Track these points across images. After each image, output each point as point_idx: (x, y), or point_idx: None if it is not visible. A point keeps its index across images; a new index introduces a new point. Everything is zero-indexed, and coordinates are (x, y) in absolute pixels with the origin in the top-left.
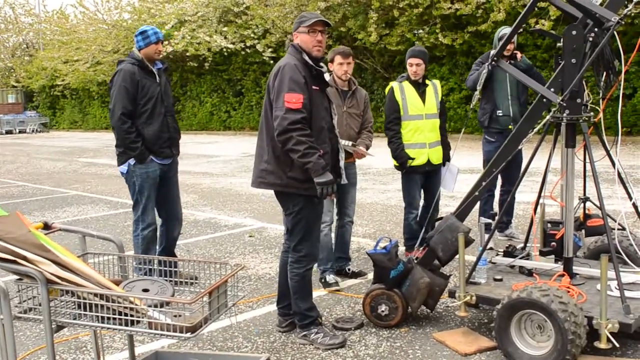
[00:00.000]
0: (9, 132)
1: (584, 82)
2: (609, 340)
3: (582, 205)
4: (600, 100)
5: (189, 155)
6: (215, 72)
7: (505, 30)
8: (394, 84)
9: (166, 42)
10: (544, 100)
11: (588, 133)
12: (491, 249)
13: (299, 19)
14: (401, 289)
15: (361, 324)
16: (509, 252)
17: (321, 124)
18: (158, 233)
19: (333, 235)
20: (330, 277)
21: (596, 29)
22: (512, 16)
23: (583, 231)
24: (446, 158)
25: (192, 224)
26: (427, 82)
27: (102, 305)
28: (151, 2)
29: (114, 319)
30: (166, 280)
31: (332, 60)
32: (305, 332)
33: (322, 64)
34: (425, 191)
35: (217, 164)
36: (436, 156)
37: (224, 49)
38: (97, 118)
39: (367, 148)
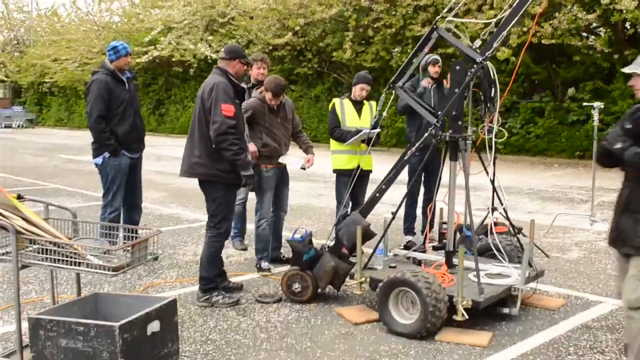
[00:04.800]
0: None
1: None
2: (463, 314)
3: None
4: (486, 122)
5: (168, 157)
6: (200, 78)
7: (434, 56)
8: (336, 100)
9: (152, 47)
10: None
11: (471, 151)
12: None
13: (232, 52)
14: (312, 271)
15: (279, 299)
16: (408, 247)
17: (242, 128)
18: (121, 220)
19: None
20: (265, 264)
21: (475, 65)
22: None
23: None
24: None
25: (157, 218)
26: (365, 102)
27: (54, 251)
28: (141, 7)
29: (64, 261)
30: (108, 240)
31: (250, 66)
32: (207, 296)
33: (243, 84)
34: (354, 192)
35: None
36: (366, 163)
37: (209, 57)
38: (83, 117)
39: (311, 148)
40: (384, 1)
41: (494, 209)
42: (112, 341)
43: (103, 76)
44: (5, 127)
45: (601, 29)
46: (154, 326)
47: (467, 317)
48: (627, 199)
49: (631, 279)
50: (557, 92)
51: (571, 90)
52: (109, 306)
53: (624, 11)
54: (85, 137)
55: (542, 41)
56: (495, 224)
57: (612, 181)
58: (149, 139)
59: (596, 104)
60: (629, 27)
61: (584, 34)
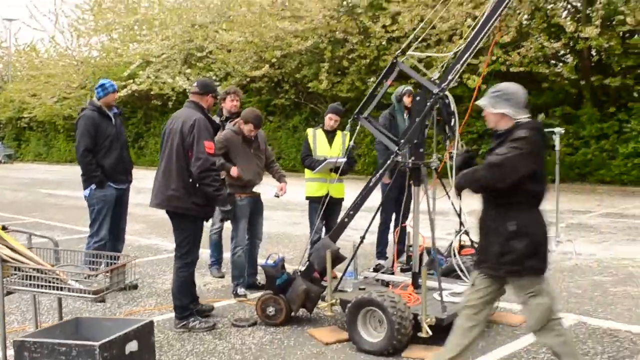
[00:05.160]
0: None
1: (459, 136)
2: (427, 331)
3: (458, 236)
4: (447, 149)
5: (147, 190)
6: None
7: (408, 87)
8: (309, 131)
9: (131, 81)
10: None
11: (435, 176)
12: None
13: (206, 87)
14: (285, 295)
15: (254, 322)
16: (377, 269)
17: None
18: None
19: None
20: (241, 290)
21: (433, 96)
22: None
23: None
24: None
25: (136, 249)
26: (338, 132)
27: (38, 277)
28: (120, 42)
29: (47, 286)
30: (89, 267)
31: (223, 99)
32: (184, 322)
33: (216, 117)
34: (326, 219)
35: None
36: (336, 191)
37: (187, 90)
38: (62, 151)
39: (284, 177)
40: (358, 33)
41: (460, 232)
42: None
43: (90, 112)
44: None
45: (568, 56)
46: (132, 346)
47: (431, 333)
48: (480, 221)
49: (523, 309)
50: None
51: (541, 116)
52: (90, 329)
53: (589, 38)
54: (64, 172)
55: (511, 69)
56: (463, 246)
57: (581, 203)
58: None
59: (557, 129)
60: (594, 54)
61: (552, 62)
